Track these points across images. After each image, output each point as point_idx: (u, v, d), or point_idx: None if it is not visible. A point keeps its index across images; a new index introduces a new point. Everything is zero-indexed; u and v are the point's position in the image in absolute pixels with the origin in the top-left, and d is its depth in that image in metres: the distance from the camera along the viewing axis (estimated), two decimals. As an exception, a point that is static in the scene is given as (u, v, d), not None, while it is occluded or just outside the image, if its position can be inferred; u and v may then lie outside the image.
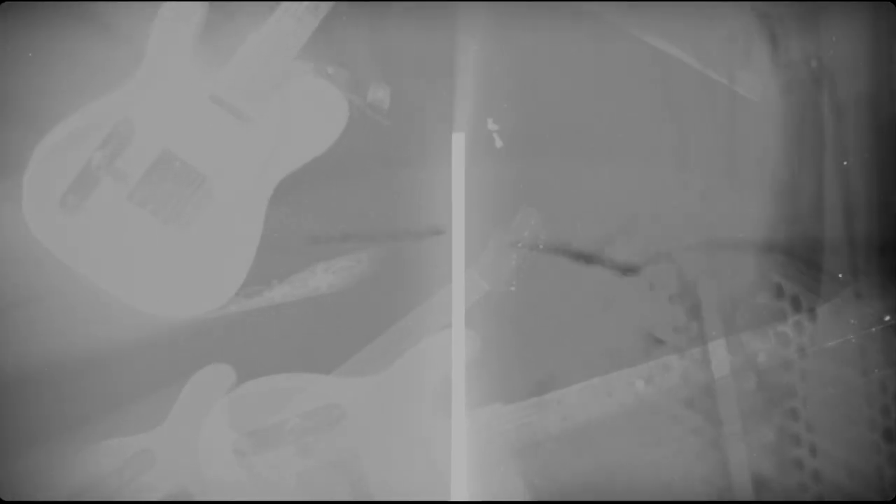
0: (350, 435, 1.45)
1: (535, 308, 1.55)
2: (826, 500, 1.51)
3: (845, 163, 1.56)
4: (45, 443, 1.46)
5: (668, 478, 1.52)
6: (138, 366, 1.50)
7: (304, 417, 1.45)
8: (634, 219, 1.58)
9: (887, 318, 1.52)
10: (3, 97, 1.51)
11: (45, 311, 1.49)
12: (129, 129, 1.47)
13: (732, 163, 1.60)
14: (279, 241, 1.53)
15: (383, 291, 1.54)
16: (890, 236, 1.56)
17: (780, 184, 1.59)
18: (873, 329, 1.52)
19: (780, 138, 1.60)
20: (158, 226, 1.47)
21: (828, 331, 1.52)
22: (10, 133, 1.48)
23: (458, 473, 1.45)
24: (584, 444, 1.49)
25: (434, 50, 1.59)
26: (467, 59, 1.59)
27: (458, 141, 1.53)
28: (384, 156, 1.58)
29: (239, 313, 1.51)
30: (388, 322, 1.51)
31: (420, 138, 1.59)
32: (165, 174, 1.47)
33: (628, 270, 1.57)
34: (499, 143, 1.54)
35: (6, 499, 1.42)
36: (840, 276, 1.55)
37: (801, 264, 1.56)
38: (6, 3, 1.50)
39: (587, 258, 1.57)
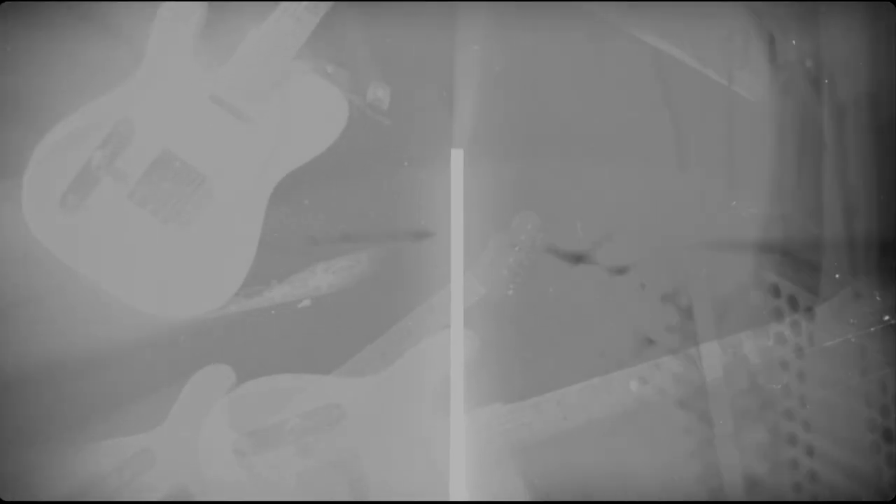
0: (350, 435, 1.45)
1: (535, 309, 1.56)
2: (827, 500, 1.51)
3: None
4: (45, 443, 1.46)
5: (666, 478, 1.52)
6: (138, 366, 1.50)
7: (304, 417, 1.45)
8: (633, 220, 1.58)
9: (887, 317, 1.52)
10: (3, 97, 1.51)
11: (45, 311, 1.49)
12: (129, 128, 1.47)
13: (731, 163, 1.60)
14: (279, 241, 1.53)
15: (383, 291, 1.54)
16: (889, 236, 1.56)
17: (778, 183, 1.59)
18: (872, 329, 1.52)
19: (779, 138, 1.60)
20: (158, 225, 1.47)
21: (827, 330, 1.52)
22: (10, 133, 1.48)
23: (458, 473, 1.45)
24: (584, 444, 1.49)
25: (434, 50, 1.59)
26: (467, 59, 1.59)
27: (457, 157, 1.53)
28: (384, 155, 1.58)
29: (239, 313, 1.51)
30: (388, 322, 1.51)
31: (420, 138, 1.59)
32: (165, 174, 1.47)
33: (624, 271, 1.57)
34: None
35: (6, 499, 1.42)
36: (837, 276, 1.55)
37: (799, 264, 1.56)
38: (6, 3, 1.50)
39: (585, 259, 1.57)
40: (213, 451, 1.45)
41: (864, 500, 1.51)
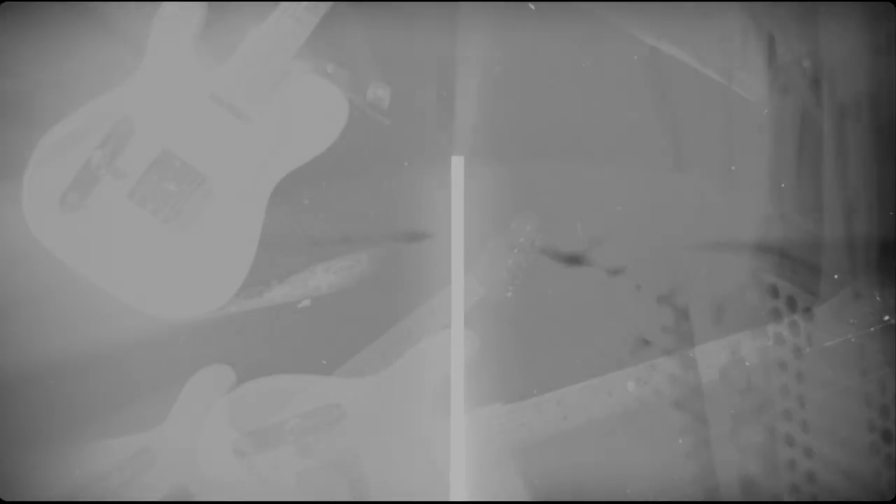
0: (350, 435, 1.45)
1: (535, 309, 1.56)
2: (828, 500, 1.51)
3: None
4: (45, 443, 1.47)
5: (664, 478, 1.52)
6: (138, 366, 1.50)
7: (304, 417, 1.45)
8: (633, 220, 1.58)
9: (887, 317, 1.52)
10: (2, 97, 1.51)
11: (45, 311, 1.49)
12: (129, 128, 1.47)
13: (730, 163, 1.60)
14: (279, 241, 1.53)
15: (383, 292, 1.54)
16: (889, 236, 1.56)
17: (777, 184, 1.59)
18: (872, 329, 1.52)
19: (779, 138, 1.60)
20: (158, 225, 1.47)
21: (826, 331, 1.52)
22: (10, 133, 1.48)
23: (458, 473, 1.45)
24: (583, 444, 1.49)
25: (434, 50, 1.59)
26: (467, 60, 1.59)
27: (458, 164, 1.53)
28: (384, 155, 1.58)
29: (239, 313, 1.51)
30: (388, 322, 1.51)
31: (420, 138, 1.59)
32: (165, 173, 1.47)
33: (622, 271, 1.57)
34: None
35: (6, 499, 1.42)
36: (836, 276, 1.55)
37: (798, 264, 1.56)
38: (6, 2, 1.50)
39: (585, 261, 1.57)
40: (213, 451, 1.45)
41: (863, 500, 1.51)
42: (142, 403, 1.48)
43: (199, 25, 1.49)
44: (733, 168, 1.59)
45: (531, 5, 1.56)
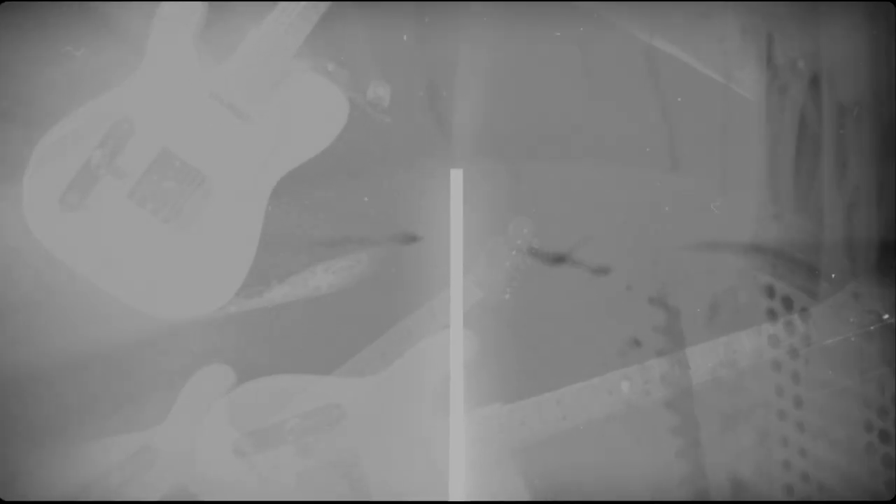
0: (350, 435, 1.45)
1: (534, 309, 1.56)
2: (823, 500, 1.51)
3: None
4: (45, 442, 1.47)
5: (663, 478, 1.52)
6: (138, 366, 1.50)
7: (304, 417, 1.45)
8: (631, 220, 1.58)
9: (886, 316, 1.52)
10: (2, 97, 1.51)
11: (46, 311, 1.49)
12: (129, 127, 1.47)
13: (729, 163, 1.60)
14: (279, 241, 1.53)
15: (383, 292, 1.54)
16: (889, 236, 1.57)
17: (776, 183, 1.59)
18: (871, 328, 1.52)
19: (778, 138, 1.60)
20: (158, 225, 1.47)
21: (824, 330, 1.53)
22: (10, 133, 1.48)
23: (458, 473, 1.46)
24: (583, 444, 1.50)
25: (434, 50, 1.59)
26: (467, 60, 1.59)
27: (457, 177, 1.53)
28: (384, 155, 1.58)
29: (239, 313, 1.51)
30: (388, 322, 1.51)
31: (420, 137, 1.58)
32: (165, 173, 1.47)
33: (605, 271, 1.57)
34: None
35: (6, 499, 1.42)
36: (833, 276, 1.55)
37: (795, 264, 1.57)
38: (6, 3, 1.50)
39: (584, 261, 1.57)
40: (213, 450, 1.45)
41: (863, 500, 1.52)
42: (142, 403, 1.48)
43: (198, 25, 1.48)
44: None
45: None
